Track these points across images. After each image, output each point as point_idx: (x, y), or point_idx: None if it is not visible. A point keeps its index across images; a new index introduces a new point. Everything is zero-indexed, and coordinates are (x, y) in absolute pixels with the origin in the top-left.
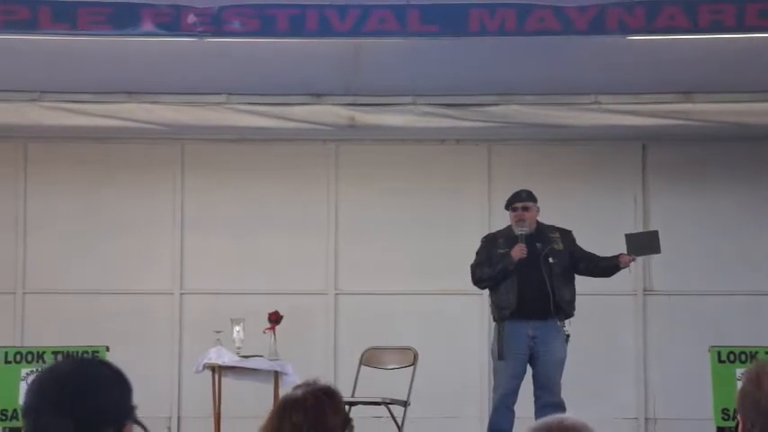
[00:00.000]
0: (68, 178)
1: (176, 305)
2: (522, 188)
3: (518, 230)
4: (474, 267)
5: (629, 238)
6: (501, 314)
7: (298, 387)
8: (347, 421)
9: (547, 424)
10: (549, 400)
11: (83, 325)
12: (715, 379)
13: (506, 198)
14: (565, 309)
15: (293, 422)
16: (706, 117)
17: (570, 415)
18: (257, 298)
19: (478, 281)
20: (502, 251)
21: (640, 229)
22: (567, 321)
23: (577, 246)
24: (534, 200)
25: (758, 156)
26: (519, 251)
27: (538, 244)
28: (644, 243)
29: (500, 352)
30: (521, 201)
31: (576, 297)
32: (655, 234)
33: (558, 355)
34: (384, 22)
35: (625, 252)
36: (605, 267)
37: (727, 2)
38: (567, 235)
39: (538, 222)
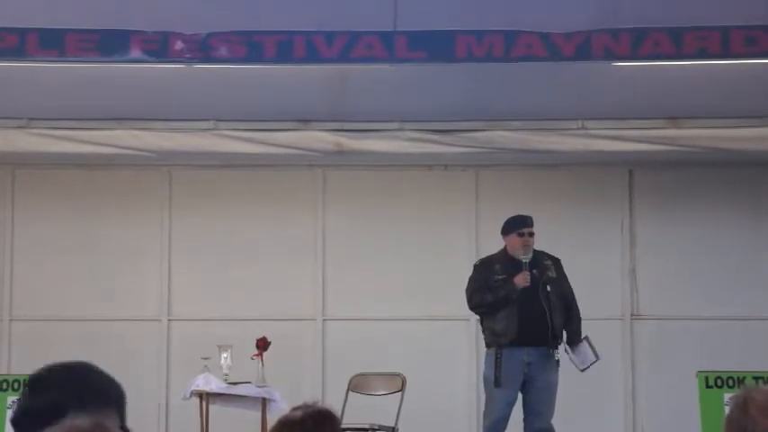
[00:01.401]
0: (56, 205)
1: (164, 332)
2: (519, 213)
3: (524, 257)
4: (471, 293)
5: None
6: (498, 341)
7: (296, 409)
8: None
9: None
10: (539, 426)
11: (70, 352)
12: (703, 404)
13: (497, 222)
14: (559, 336)
15: None
16: (692, 143)
17: None
18: (245, 324)
19: (476, 306)
20: (500, 277)
21: (626, 256)
22: (558, 347)
23: (566, 281)
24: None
25: (745, 181)
26: (523, 279)
27: (534, 271)
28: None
29: (497, 379)
30: (527, 226)
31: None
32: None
33: (552, 380)
34: (371, 48)
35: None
36: (569, 332)
37: (713, 29)
38: (557, 263)
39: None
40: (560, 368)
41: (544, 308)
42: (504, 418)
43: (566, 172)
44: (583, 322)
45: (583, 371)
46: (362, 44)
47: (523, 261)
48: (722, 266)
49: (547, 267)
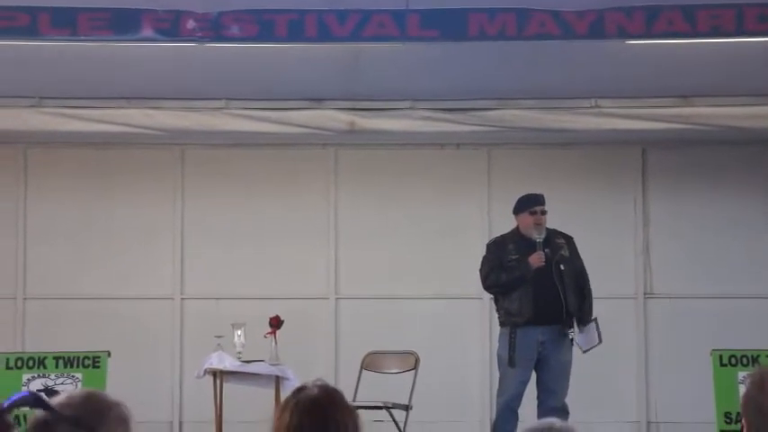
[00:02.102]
0: (68, 184)
1: (177, 310)
2: (531, 191)
3: (537, 237)
4: (486, 273)
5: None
6: (513, 321)
7: (304, 388)
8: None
9: (537, 428)
10: (552, 404)
11: (84, 330)
12: (717, 382)
13: (509, 201)
14: (574, 315)
15: (335, 419)
16: (705, 121)
17: (559, 420)
18: (258, 303)
19: (491, 286)
20: (514, 257)
21: (639, 234)
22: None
23: (579, 259)
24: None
25: (758, 159)
26: (538, 259)
27: (547, 250)
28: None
29: (510, 359)
30: (540, 204)
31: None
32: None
33: (565, 359)
34: (383, 27)
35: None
36: (581, 310)
37: (726, 6)
38: (570, 241)
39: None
40: (574, 347)
41: (558, 287)
42: (518, 396)
43: (578, 151)
44: (596, 301)
45: (585, 352)
46: (374, 23)
47: (537, 240)
48: (735, 245)
49: (560, 246)
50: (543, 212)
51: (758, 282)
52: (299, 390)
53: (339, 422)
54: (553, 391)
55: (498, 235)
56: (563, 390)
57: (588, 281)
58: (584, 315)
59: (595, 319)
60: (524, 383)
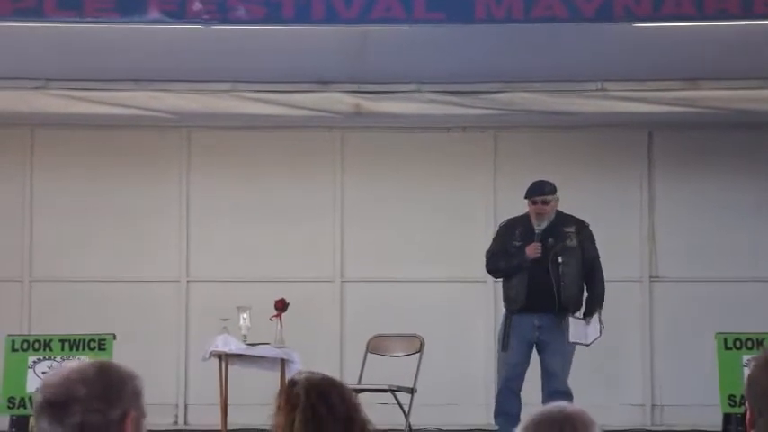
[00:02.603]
0: (74, 166)
1: (183, 293)
2: (542, 178)
3: (537, 226)
4: (489, 256)
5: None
6: (510, 307)
7: (299, 374)
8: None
9: (547, 412)
10: (555, 388)
11: (89, 313)
12: (721, 365)
13: (515, 184)
14: (570, 306)
15: (330, 404)
16: (712, 104)
17: (569, 403)
18: (263, 286)
19: (491, 271)
20: (518, 243)
21: (645, 218)
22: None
23: (591, 246)
24: (555, 192)
25: (765, 142)
26: (533, 250)
27: (551, 239)
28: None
29: (503, 343)
30: (542, 194)
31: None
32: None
33: (565, 343)
34: (390, 10)
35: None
36: (589, 299)
37: None
38: (583, 230)
39: (557, 212)
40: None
41: (552, 279)
42: (514, 378)
43: (585, 134)
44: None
45: (588, 345)
46: (381, 5)
47: (536, 231)
48: (741, 228)
49: (566, 236)
50: (545, 202)
51: (763, 265)
52: (291, 384)
53: (332, 405)
54: (554, 374)
55: (511, 217)
56: (563, 373)
57: (599, 269)
58: (589, 305)
59: (599, 311)
60: (517, 366)
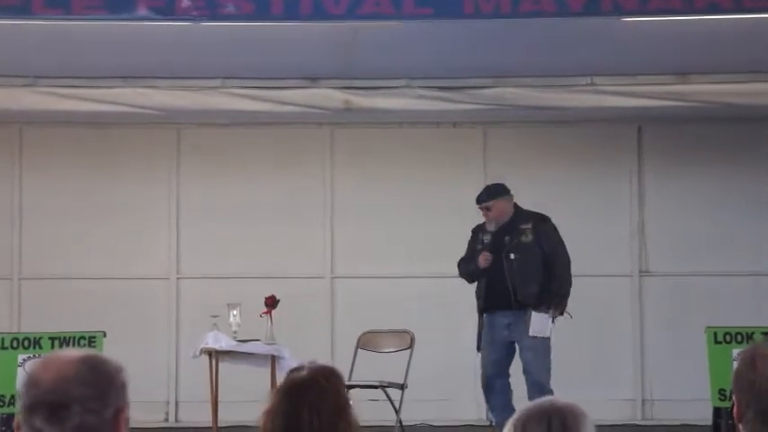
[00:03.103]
0: (64, 163)
1: (173, 290)
2: (490, 182)
3: (489, 229)
4: (459, 261)
5: None
6: (478, 306)
7: (297, 369)
8: (347, 400)
9: (538, 405)
10: (529, 382)
11: (79, 310)
12: (712, 360)
13: (505, 179)
14: (532, 302)
15: (309, 403)
16: (702, 98)
17: (560, 397)
18: (253, 282)
19: (462, 276)
20: (480, 247)
21: (635, 212)
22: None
23: (549, 241)
24: (497, 196)
25: (755, 136)
26: (483, 260)
27: (507, 237)
28: None
29: (477, 343)
30: (480, 202)
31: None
32: None
33: (529, 339)
34: (379, 5)
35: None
36: (544, 292)
37: None
38: (540, 225)
39: (516, 209)
40: (569, 325)
41: (506, 278)
42: (494, 377)
43: (574, 128)
44: (591, 279)
45: (530, 336)
46: (370, 1)
47: (483, 240)
48: (731, 222)
49: (521, 232)
50: (486, 209)
51: (753, 259)
52: (292, 371)
53: (312, 406)
54: (526, 369)
55: (481, 222)
56: (537, 368)
57: (559, 264)
58: (545, 298)
59: (554, 307)
60: (494, 365)
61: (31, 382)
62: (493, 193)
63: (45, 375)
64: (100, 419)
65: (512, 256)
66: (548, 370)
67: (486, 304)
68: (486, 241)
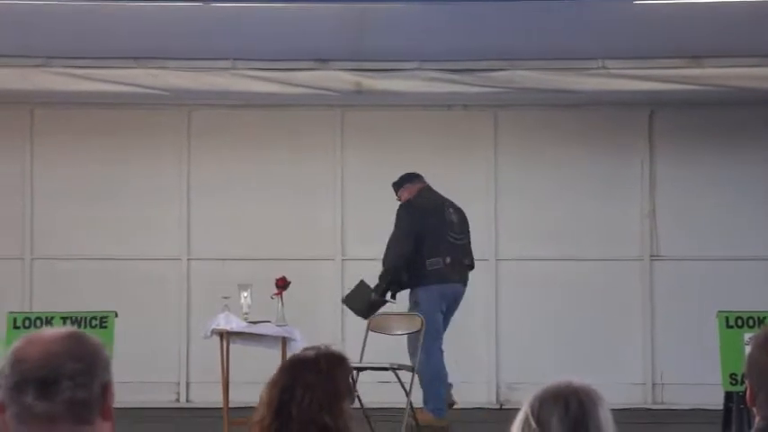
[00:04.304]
0: (75, 144)
1: (184, 271)
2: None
3: None
4: None
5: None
6: None
7: (308, 349)
8: (352, 390)
9: (555, 386)
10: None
11: (91, 291)
12: (723, 344)
13: (516, 162)
14: (396, 284)
15: (306, 382)
16: (714, 81)
17: (576, 378)
18: (264, 264)
19: None
20: None
21: (646, 196)
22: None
23: (395, 224)
24: (396, 189)
25: (766, 120)
26: None
27: None
28: (356, 297)
29: None
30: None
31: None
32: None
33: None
34: None
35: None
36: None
37: None
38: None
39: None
40: (580, 308)
41: None
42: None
43: (585, 112)
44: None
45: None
46: None
47: None
48: (742, 206)
49: None
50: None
51: (765, 243)
52: (304, 349)
53: (308, 385)
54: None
55: None
56: (411, 351)
57: (387, 247)
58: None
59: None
60: None
61: (18, 359)
62: (395, 184)
63: (32, 352)
64: (89, 393)
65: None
66: (423, 354)
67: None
68: None
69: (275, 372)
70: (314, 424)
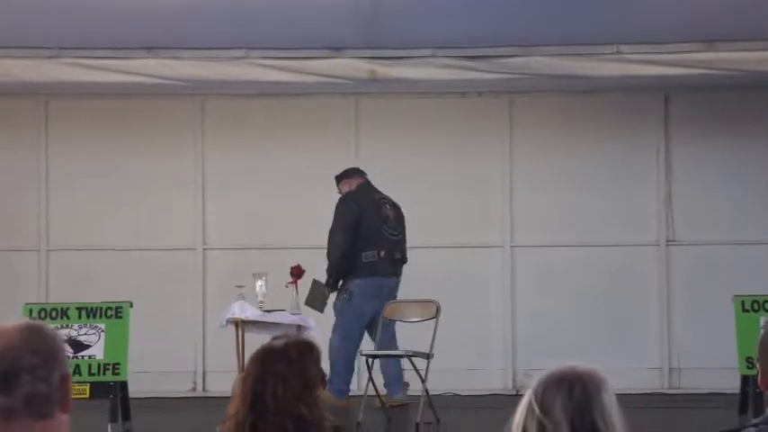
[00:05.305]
0: (90, 134)
1: (199, 261)
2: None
3: None
4: None
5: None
6: None
7: (277, 338)
8: (324, 375)
9: (558, 371)
10: None
11: (106, 281)
12: (739, 328)
13: (531, 149)
14: (340, 273)
15: (277, 372)
16: (729, 66)
17: (580, 363)
18: (279, 252)
19: None
20: None
21: (662, 181)
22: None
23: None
24: (338, 180)
25: None
26: None
27: None
28: (316, 296)
29: None
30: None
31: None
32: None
33: (336, 305)
34: None
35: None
36: None
37: None
38: None
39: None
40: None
41: None
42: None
43: (600, 97)
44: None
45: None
46: None
47: None
48: (758, 191)
49: None
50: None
51: None
52: (273, 338)
53: (279, 375)
54: None
55: None
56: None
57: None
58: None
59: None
60: None
61: None
62: (337, 177)
63: None
64: (49, 386)
65: None
66: (337, 337)
67: None
68: None
69: (247, 363)
70: (290, 415)
